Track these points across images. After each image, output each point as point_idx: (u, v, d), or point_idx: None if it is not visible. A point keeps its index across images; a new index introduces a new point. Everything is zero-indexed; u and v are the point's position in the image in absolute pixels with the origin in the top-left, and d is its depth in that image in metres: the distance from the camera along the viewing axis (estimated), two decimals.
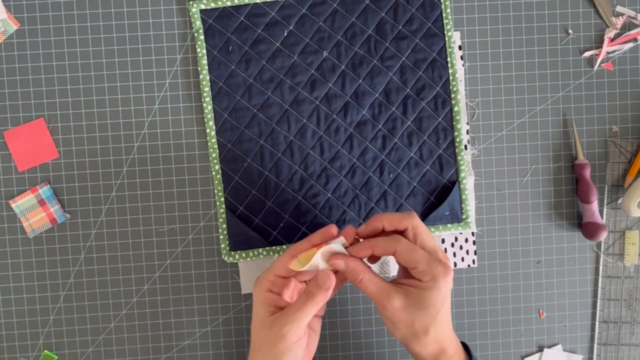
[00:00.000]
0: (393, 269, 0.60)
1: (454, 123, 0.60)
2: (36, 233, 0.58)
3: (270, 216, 0.59)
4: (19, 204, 0.58)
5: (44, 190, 0.58)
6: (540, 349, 0.62)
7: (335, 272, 0.47)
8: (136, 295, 0.59)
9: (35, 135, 0.58)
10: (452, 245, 0.61)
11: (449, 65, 0.59)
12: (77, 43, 0.58)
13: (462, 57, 0.60)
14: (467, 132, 0.60)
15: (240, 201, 0.59)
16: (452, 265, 0.61)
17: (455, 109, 0.59)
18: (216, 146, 0.59)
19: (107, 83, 0.58)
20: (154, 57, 0.59)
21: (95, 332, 0.60)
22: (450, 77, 0.59)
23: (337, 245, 0.47)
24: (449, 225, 0.60)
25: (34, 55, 0.58)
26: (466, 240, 0.61)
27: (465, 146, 0.60)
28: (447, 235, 0.61)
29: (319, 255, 0.46)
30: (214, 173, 0.59)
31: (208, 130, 0.58)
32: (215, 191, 0.59)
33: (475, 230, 0.61)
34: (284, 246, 0.59)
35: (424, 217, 0.60)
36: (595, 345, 0.62)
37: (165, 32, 0.59)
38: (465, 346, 0.51)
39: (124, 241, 0.59)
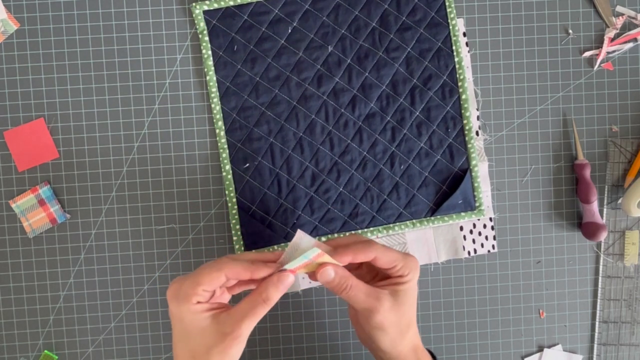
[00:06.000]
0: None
1: (462, 111, 0.59)
2: (36, 233, 0.58)
3: (284, 214, 0.59)
4: (19, 204, 0.58)
5: (44, 190, 0.58)
6: (540, 349, 0.62)
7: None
8: (136, 295, 0.59)
9: (35, 135, 0.58)
10: (471, 232, 0.61)
11: (455, 53, 0.59)
12: (77, 43, 0.58)
13: (467, 44, 0.60)
14: (478, 118, 0.60)
15: (252, 200, 0.59)
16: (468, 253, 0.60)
17: (463, 96, 0.59)
18: (226, 146, 0.58)
19: (107, 83, 0.58)
20: (154, 57, 0.59)
21: (95, 332, 0.60)
22: (457, 65, 0.59)
23: (314, 251, 0.42)
24: (462, 213, 0.60)
25: (34, 55, 0.58)
26: (484, 227, 0.61)
27: (477, 132, 0.60)
28: (465, 222, 0.61)
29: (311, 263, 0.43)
30: (224, 173, 0.58)
31: (217, 131, 0.58)
32: (227, 192, 0.58)
33: (493, 216, 0.61)
34: None
35: (437, 206, 0.60)
36: (595, 345, 0.62)
37: (165, 32, 0.59)
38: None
39: (124, 241, 0.59)
